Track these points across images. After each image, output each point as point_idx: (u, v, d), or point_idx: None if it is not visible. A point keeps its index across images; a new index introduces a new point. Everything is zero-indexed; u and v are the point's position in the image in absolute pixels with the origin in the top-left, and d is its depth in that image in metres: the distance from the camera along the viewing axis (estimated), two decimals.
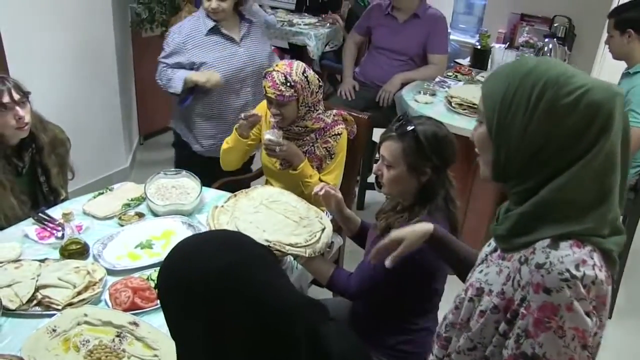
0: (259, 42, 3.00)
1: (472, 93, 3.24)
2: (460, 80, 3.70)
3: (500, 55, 3.95)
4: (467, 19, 4.98)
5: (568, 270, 1.05)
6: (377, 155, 1.94)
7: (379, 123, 3.22)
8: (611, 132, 1.07)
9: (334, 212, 2.05)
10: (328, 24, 5.51)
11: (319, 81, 2.39)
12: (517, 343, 1.11)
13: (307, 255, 1.83)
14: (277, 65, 2.32)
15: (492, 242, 1.30)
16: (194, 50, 2.85)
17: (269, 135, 2.30)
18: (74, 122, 3.15)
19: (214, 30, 2.85)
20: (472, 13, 5.13)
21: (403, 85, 3.64)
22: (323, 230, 1.93)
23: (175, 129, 3.16)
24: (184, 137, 3.09)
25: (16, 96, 2.14)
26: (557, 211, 1.09)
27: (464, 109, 3.14)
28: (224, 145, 2.59)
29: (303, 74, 2.31)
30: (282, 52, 5.49)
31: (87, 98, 3.62)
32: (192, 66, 2.85)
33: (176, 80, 2.81)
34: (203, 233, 1.26)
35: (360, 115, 2.69)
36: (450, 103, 3.19)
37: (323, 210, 2.15)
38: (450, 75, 3.78)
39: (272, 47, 5.41)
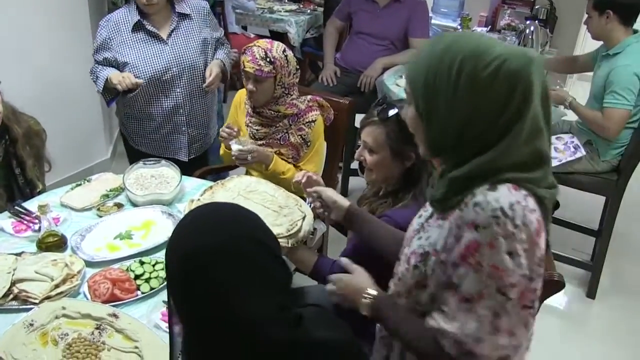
0: (191, 38, 2.69)
1: None
2: None
3: None
4: (449, 3, 4.93)
5: (501, 209, 1.09)
6: (359, 141, 1.91)
7: (361, 108, 3.18)
8: (533, 99, 1.11)
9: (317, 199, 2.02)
10: (309, 11, 5.47)
11: (297, 64, 2.37)
12: (444, 274, 1.19)
13: (289, 246, 1.79)
14: (257, 42, 2.29)
15: (428, 209, 1.34)
16: (119, 48, 2.61)
17: (237, 146, 2.28)
18: (53, 113, 3.09)
19: (138, 26, 2.60)
20: None
21: (384, 70, 3.61)
22: (304, 218, 1.89)
23: (120, 130, 3.03)
24: (123, 133, 2.96)
25: None
26: (491, 173, 1.14)
27: None
28: (222, 150, 2.59)
29: (283, 52, 2.28)
30: None
31: (66, 88, 3.55)
32: (117, 64, 2.64)
33: (100, 80, 2.62)
34: (215, 205, 1.24)
35: (341, 101, 2.66)
36: None
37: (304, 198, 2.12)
38: None
39: (253, 35, 5.45)
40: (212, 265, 1.01)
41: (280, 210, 1.91)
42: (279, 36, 5.23)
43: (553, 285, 1.55)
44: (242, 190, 2.01)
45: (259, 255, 1.05)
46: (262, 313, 1.01)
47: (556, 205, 1.21)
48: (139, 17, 2.58)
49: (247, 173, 2.62)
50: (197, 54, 2.70)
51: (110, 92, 2.68)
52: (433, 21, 4.56)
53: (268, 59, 2.23)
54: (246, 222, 1.10)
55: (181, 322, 1.10)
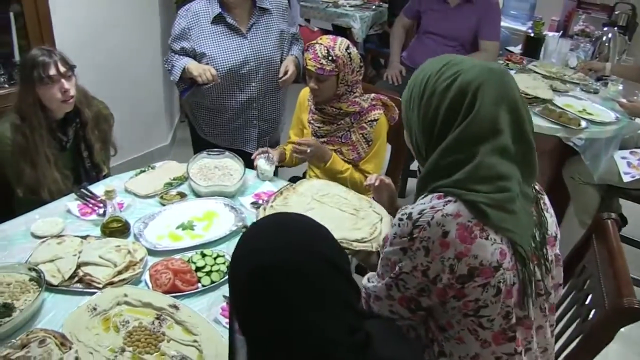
0: (270, 33, 2.68)
1: (525, 82, 3.13)
2: (512, 69, 3.56)
3: (555, 43, 3.78)
4: (519, 4, 4.79)
5: (409, 214, 1.25)
6: None
7: None
8: (479, 104, 1.21)
9: (385, 204, 1.98)
10: (373, 7, 5.41)
11: (361, 61, 2.32)
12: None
13: (373, 250, 1.73)
14: (320, 39, 2.25)
15: None
16: (197, 39, 2.59)
17: (263, 162, 2.33)
18: (118, 98, 3.13)
19: (219, 18, 2.58)
20: None
21: None
22: (381, 220, 1.84)
23: (188, 118, 3.02)
24: (192, 122, 2.95)
25: (62, 69, 2.13)
26: (438, 171, 1.26)
27: None
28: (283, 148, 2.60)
29: (346, 50, 2.24)
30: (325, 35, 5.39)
31: (131, 75, 3.61)
32: (195, 54, 2.63)
33: (176, 69, 2.60)
34: (284, 218, 1.13)
35: None
36: None
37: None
38: (501, 63, 3.64)
39: (315, 29, 5.42)
40: (282, 284, 0.95)
41: (357, 214, 1.86)
42: (342, 31, 5.20)
43: (633, 313, 1.46)
44: (314, 194, 1.96)
45: (331, 274, 0.98)
46: (333, 336, 0.95)
47: (623, 221, 1.25)
48: (220, 10, 2.56)
49: (307, 170, 2.59)
50: (274, 49, 2.68)
51: (184, 82, 2.65)
52: (502, 23, 4.42)
53: (330, 58, 2.19)
54: (318, 238, 1.04)
55: (244, 336, 1.03)
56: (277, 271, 0.95)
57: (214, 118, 2.78)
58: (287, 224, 1.05)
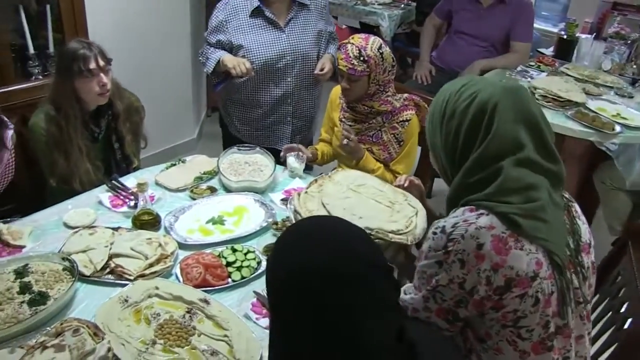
0: (308, 28, 2.66)
1: (557, 85, 3.08)
2: (543, 71, 3.50)
3: (588, 46, 3.71)
4: (551, 6, 4.72)
5: (443, 228, 1.26)
6: None
7: None
8: (497, 120, 1.25)
9: (419, 196, 1.98)
10: (402, 5, 5.37)
11: (394, 60, 2.30)
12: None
13: (408, 243, 1.72)
14: (352, 38, 2.23)
15: None
16: (234, 31, 2.56)
17: (293, 159, 2.35)
18: (147, 91, 3.15)
19: (257, 12, 2.56)
20: (557, 0, 4.86)
21: (483, 72, 3.48)
22: (416, 213, 1.82)
23: (220, 113, 2.99)
24: (224, 119, 2.92)
25: (101, 62, 2.15)
26: (466, 189, 1.29)
27: (548, 102, 2.98)
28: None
29: (379, 49, 2.21)
30: (353, 32, 5.37)
31: (160, 68, 3.63)
32: (231, 47, 2.60)
33: (210, 61, 2.58)
34: (321, 221, 1.10)
35: None
36: (533, 94, 3.02)
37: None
38: (533, 65, 3.58)
39: (343, 26, 5.40)
40: (328, 290, 0.91)
41: (392, 206, 1.83)
42: (370, 29, 5.17)
43: None
44: (350, 184, 1.93)
45: (375, 276, 0.95)
46: (381, 341, 0.93)
47: None
48: (259, 3, 2.54)
49: (337, 168, 2.57)
50: (311, 44, 2.66)
51: (218, 75, 2.63)
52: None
53: (362, 58, 2.17)
54: (359, 240, 1.00)
55: (283, 337, 1.00)
56: (322, 277, 0.91)
57: (247, 114, 2.75)
58: (327, 228, 1.03)
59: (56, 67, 2.27)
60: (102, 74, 2.14)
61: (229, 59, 2.51)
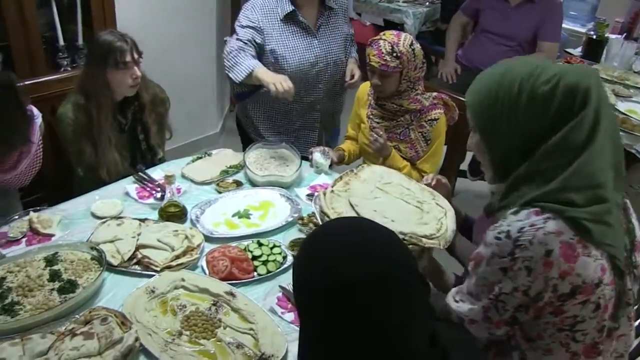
0: (337, 32, 2.56)
1: None
2: None
3: (618, 47, 3.66)
4: (579, 5, 4.64)
5: (507, 232, 1.18)
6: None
7: None
8: (590, 106, 1.16)
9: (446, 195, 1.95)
10: (427, 3, 5.33)
11: (424, 57, 2.28)
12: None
13: (440, 247, 1.63)
14: (384, 34, 2.22)
15: None
16: (267, 35, 2.41)
17: (319, 155, 2.34)
18: (171, 85, 3.17)
19: (290, 16, 2.41)
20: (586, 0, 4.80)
21: None
22: (445, 214, 1.76)
23: (237, 114, 2.83)
24: (245, 126, 2.76)
25: (136, 55, 2.17)
26: (532, 176, 1.21)
27: None
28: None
29: (410, 45, 2.20)
30: (377, 30, 5.35)
31: (185, 63, 3.65)
32: (261, 50, 2.43)
33: (241, 68, 2.28)
34: (352, 226, 1.03)
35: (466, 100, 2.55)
36: None
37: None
38: None
39: (367, 23, 5.38)
40: (361, 296, 0.88)
41: (421, 206, 1.77)
42: (394, 27, 5.14)
43: None
44: (377, 182, 1.89)
45: (409, 281, 0.93)
46: (415, 347, 0.91)
47: None
48: (292, 7, 2.40)
49: (364, 164, 2.57)
50: (341, 49, 2.59)
51: (245, 86, 2.44)
52: None
53: (395, 54, 2.16)
54: (391, 244, 0.98)
55: (312, 337, 0.98)
56: (356, 283, 0.89)
57: (271, 121, 2.65)
58: (359, 231, 1.00)
59: (89, 58, 2.29)
60: (135, 67, 2.16)
61: (265, 74, 2.24)
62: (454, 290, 1.38)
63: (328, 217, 1.67)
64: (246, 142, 2.77)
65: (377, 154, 2.33)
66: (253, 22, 2.39)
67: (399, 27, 5.10)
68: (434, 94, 2.36)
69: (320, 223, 1.69)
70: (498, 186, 1.32)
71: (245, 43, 2.36)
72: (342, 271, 0.90)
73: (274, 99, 2.27)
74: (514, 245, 1.17)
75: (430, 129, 2.32)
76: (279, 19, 2.41)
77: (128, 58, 2.14)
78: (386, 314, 0.88)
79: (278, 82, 2.16)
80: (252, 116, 2.67)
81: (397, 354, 0.89)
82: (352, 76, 2.59)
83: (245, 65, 2.27)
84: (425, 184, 1.90)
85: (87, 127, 2.20)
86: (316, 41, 2.49)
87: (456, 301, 1.35)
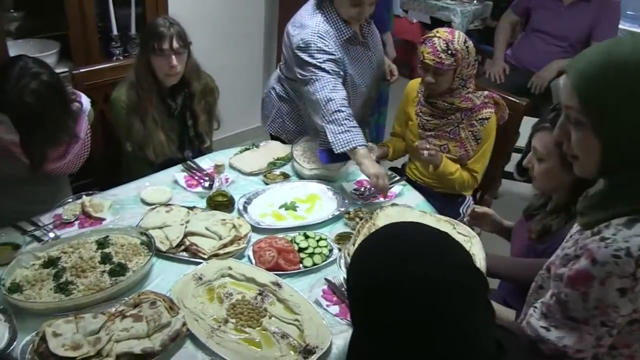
0: (375, 35, 2.47)
1: None
2: None
3: None
4: (638, 4, 4.46)
5: (627, 249, 1.05)
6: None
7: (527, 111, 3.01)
8: None
9: (490, 229, 1.99)
10: (475, 1, 5.25)
11: (476, 55, 2.26)
12: (554, 282, 1.20)
13: None
14: (437, 32, 2.19)
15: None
16: (342, 61, 2.25)
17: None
18: (218, 76, 3.21)
19: (352, 38, 2.29)
20: None
21: (560, 73, 3.37)
22: (470, 240, 1.77)
23: (266, 126, 2.67)
24: (278, 135, 2.60)
25: (175, 45, 2.18)
26: (634, 187, 1.08)
27: None
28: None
29: (464, 43, 2.18)
30: (424, 28, 5.30)
31: (234, 56, 3.69)
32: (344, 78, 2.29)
33: (347, 138, 2.03)
34: (408, 229, 1.01)
35: (517, 101, 2.51)
36: None
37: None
38: None
39: (414, 20, 5.34)
40: (428, 300, 0.86)
41: None
42: (441, 25, 5.08)
43: None
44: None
45: (474, 283, 0.90)
46: (484, 352, 0.89)
47: None
48: (352, 31, 2.27)
49: (407, 162, 2.55)
50: (381, 49, 2.54)
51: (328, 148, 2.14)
52: None
53: (449, 52, 2.14)
54: (453, 246, 0.95)
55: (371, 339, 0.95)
56: (424, 287, 0.86)
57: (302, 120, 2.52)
58: (421, 231, 0.98)
59: (140, 39, 2.32)
60: (173, 56, 2.18)
61: (368, 160, 2.04)
62: (536, 314, 1.25)
63: None
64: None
65: (428, 164, 2.31)
66: (334, 55, 2.20)
67: (446, 25, 5.04)
68: (485, 92, 2.32)
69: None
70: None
71: (336, 78, 2.17)
72: (410, 269, 0.88)
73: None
74: (636, 264, 1.05)
75: (481, 128, 2.29)
76: (341, 43, 2.27)
77: (165, 46, 2.16)
78: (454, 318, 0.86)
79: (381, 178, 1.99)
80: (289, 129, 2.55)
81: (461, 354, 0.87)
82: (391, 72, 2.60)
83: (351, 137, 2.05)
84: (470, 215, 1.94)
85: (137, 103, 2.25)
86: (370, 53, 2.43)
87: (546, 328, 1.21)
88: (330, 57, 2.17)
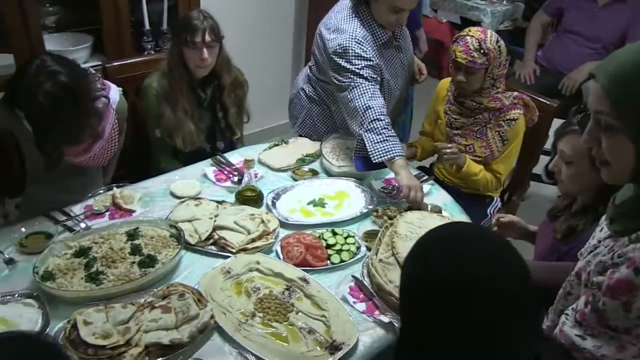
0: (406, 34, 2.45)
1: None
2: None
3: None
4: None
5: None
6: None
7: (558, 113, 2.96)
8: None
9: (516, 236, 1.96)
10: (505, 1, 5.20)
11: (507, 55, 2.24)
12: (590, 289, 1.14)
13: None
14: (470, 30, 2.18)
15: (604, 229, 1.23)
16: (378, 66, 2.24)
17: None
18: (247, 72, 3.24)
19: (387, 42, 2.29)
20: None
21: (592, 76, 3.30)
22: None
23: (294, 127, 2.66)
24: (306, 135, 2.57)
25: (208, 39, 2.19)
26: None
27: None
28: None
29: (497, 42, 2.17)
30: (453, 28, 5.26)
31: (263, 52, 3.70)
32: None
33: (386, 148, 2.03)
34: (470, 230, 1.00)
35: (548, 102, 2.48)
36: None
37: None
38: None
39: (445, 21, 5.30)
40: (479, 303, 0.85)
41: None
42: (471, 25, 5.04)
43: None
44: (417, 232, 1.77)
45: (525, 294, 0.89)
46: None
47: None
48: (388, 35, 2.26)
49: (437, 171, 2.53)
50: (412, 51, 2.52)
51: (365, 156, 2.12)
52: None
53: (482, 51, 2.12)
54: (511, 254, 0.92)
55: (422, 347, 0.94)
56: (477, 290, 0.86)
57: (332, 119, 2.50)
58: (482, 235, 0.97)
59: (173, 31, 2.34)
60: (204, 49, 2.19)
61: (406, 171, 2.02)
62: (569, 322, 1.23)
63: (388, 292, 1.59)
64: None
65: (451, 164, 2.30)
66: (371, 60, 2.17)
67: (476, 25, 4.99)
68: (515, 93, 2.30)
69: (375, 293, 1.63)
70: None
71: (374, 85, 2.16)
72: (469, 270, 0.86)
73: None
74: None
75: (508, 128, 2.26)
76: (377, 47, 2.24)
77: (197, 39, 2.17)
78: (500, 326, 0.86)
79: (413, 190, 1.96)
80: (320, 130, 2.53)
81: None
82: (420, 71, 2.59)
83: (390, 147, 2.03)
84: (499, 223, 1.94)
85: (168, 94, 2.27)
86: (402, 54, 2.41)
87: (581, 337, 1.18)
88: (368, 63, 2.15)
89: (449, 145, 2.24)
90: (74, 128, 1.85)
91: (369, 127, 2.06)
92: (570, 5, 3.53)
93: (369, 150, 2.05)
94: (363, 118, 2.08)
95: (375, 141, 2.04)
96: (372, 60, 2.17)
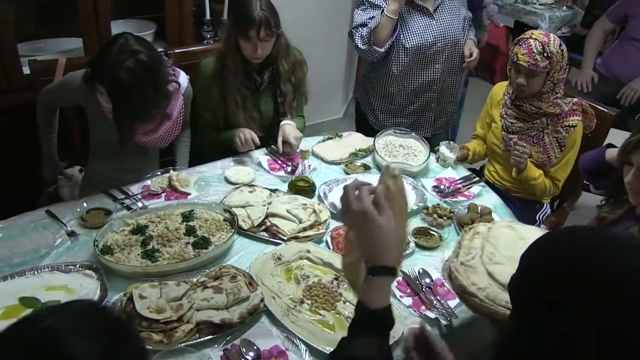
0: (454, 14, 2.58)
1: None
2: None
3: None
4: None
5: None
6: None
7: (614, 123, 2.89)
8: None
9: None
10: (565, 7, 5.09)
11: (568, 60, 2.21)
12: None
13: None
14: (532, 33, 2.16)
15: None
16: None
17: (446, 152, 2.29)
18: None
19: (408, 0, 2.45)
20: None
21: None
22: None
23: (357, 97, 2.92)
24: (362, 107, 2.86)
25: (262, 34, 2.14)
26: None
27: None
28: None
29: (560, 46, 2.15)
30: (508, 32, 5.19)
31: (318, 48, 3.71)
32: None
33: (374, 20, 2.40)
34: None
35: (606, 110, 2.42)
36: None
37: None
38: None
39: (502, 25, 5.23)
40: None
41: None
42: (527, 29, 4.95)
43: None
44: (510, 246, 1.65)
45: None
46: None
47: None
48: None
49: (490, 164, 2.51)
50: (459, 30, 2.60)
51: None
52: None
53: (545, 54, 2.10)
54: None
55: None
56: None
57: (388, 104, 2.70)
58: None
59: (231, 15, 2.39)
60: (258, 43, 2.16)
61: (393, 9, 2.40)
62: None
63: (471, 293, 1.52)
64: (361, 127, 2.83)
65: (513, 165, 2.28)
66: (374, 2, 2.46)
67: (531, 29, 4.91)
68: (574, 99, 2.26)
69: (457, 295, 1.59)
70: None
71: (361, 25, 2.48)
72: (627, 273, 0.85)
73: (389, 71, 2.57)
74: None
75: (567, 135, 2.23)
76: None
77: (251, 34, 2.13)
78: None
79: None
80: (373, 103, 2.73)
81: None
82: (471, 54, 2.60)
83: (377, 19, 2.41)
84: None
85: (220, 74, 2.25)
86: (434, 22, 2.52)
87: None
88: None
89: (524, 144, 2.23)
90: (148, 106, 1.95)
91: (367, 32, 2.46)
92: (636, 12, 3.42)
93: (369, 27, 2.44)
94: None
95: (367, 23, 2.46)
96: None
